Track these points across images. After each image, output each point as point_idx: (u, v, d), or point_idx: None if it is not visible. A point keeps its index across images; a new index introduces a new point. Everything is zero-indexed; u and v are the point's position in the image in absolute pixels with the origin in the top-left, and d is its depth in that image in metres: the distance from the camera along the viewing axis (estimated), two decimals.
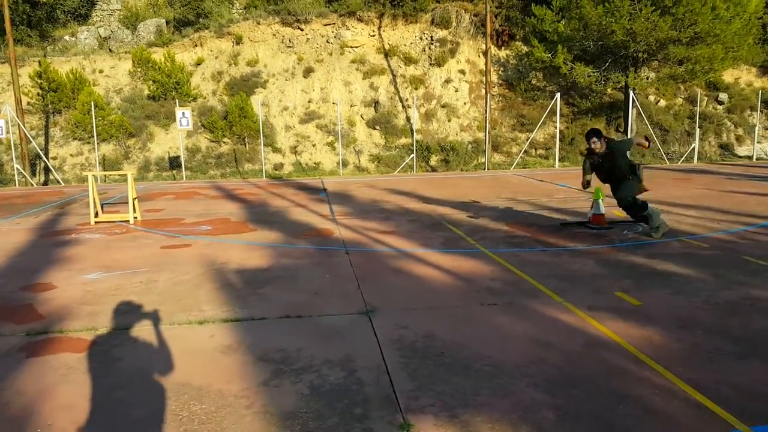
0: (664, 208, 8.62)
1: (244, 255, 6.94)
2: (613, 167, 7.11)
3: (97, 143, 18.92)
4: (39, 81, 20.40)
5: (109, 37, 23.22)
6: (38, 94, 20.60)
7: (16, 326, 4.66)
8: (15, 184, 18.23)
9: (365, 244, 7.39)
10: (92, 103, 18.67)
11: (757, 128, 20.16)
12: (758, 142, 20.00)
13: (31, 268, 6.63)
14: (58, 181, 18.47)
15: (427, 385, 3.39)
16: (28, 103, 20.18)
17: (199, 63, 21.91)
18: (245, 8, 24.11)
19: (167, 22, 23.78)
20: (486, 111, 19.15)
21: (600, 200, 7.73)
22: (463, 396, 3.26)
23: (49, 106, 20.65)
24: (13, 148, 18.33)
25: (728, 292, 5.04)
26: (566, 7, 18.87)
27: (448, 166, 19.37)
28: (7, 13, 17.93)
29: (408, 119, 20.90)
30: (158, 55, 21.28)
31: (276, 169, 19.79)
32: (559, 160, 18.50)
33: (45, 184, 19.04)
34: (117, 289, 5.65)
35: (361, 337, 4.21)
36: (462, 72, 21.86)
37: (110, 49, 22.76)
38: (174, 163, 19.61)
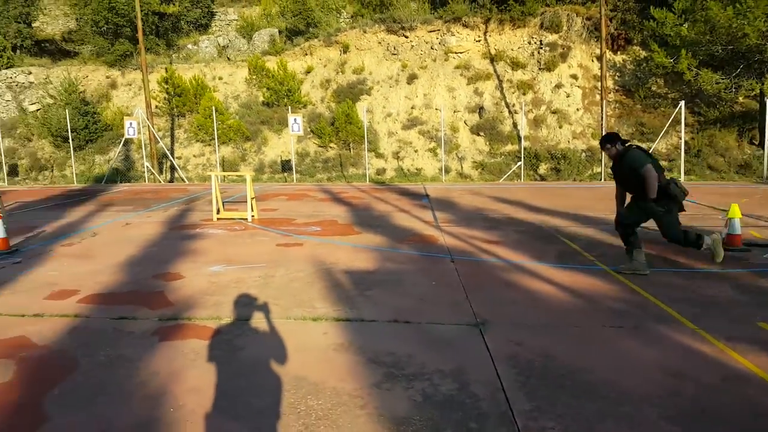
0: None
1: (351, 257, 7.09)
2: (624, 179, 6.02)
3: (218, 145, 20.33)
4: (165, 86, 22.32)
5: (227, 46, 24.90)
6: (165, 98, 22.54)
7: (150, 311, 5.08)
8: (144, 180, 20.06)
9: (471, 252, 7.26)
10: (213, 108, 20.12)
11: None
12: None
13: (161, 258, 7.22)
14: (183, 179, 20.07)
15: (547, 407, 3.23)
16: (156, 107, 22.15)
17: (308, 71, 22.87)
18: (352, 17, 24.83)
19: (279, 32, 25.08)
20: (602, 118, 18.19)
21: (736, 219, 7.00)
22: (587, 422, 3.06)
23: (175, 109, 22.52)
24: (143, 147, 20.20)
25: None
26: (690, 9, 17.44)
27: (558, 176, 18.61)
28: (140, 24, 19.82)
29: (515, 125, 20.38)
30: (272, 63, 22.49)
31: (378, 174, 20.11)
32: (685, 173, 17.08)
33: (170, 181, 20.77)
34: (238, 281, 5.99)
35: (472, 349, 4.11)
36: (574, 77, 20.95)
37: (228, 57, 24.40)
38: (285, 166, 20.60)
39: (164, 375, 3.76)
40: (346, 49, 22.88)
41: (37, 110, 23.33)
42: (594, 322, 4.64)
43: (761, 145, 17.09)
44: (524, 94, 20.95)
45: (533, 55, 21.75)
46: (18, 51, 25.37)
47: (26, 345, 4.33)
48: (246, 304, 5.21)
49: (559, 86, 20.90)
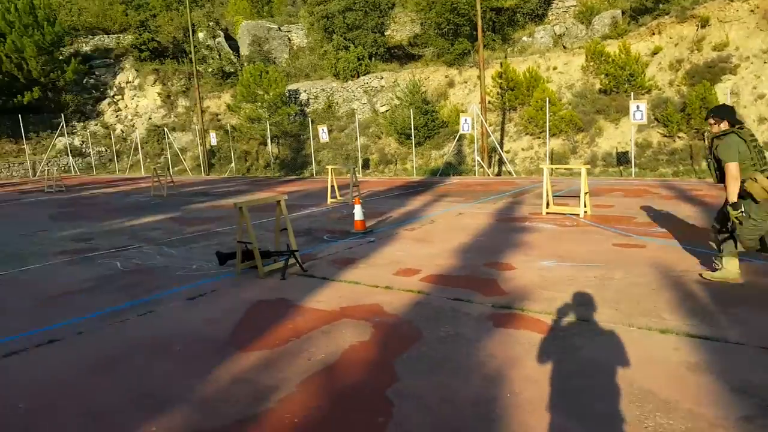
0: None
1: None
2: (716, 162, 5.16)
3: (548, 137, 20.16)
4: (499, 81, 23.14)
5: (564, 34, 24.31)
6: (497, 93, 23.42)
7: (484, 297, 5.27)
8: (474, 174, 21.35)
9: None
10: (546, 99, 19.98)
11: None
12: None
13: (492, 248, 7.47)
14: (510, 173, 20.64)
15: None
16: (489, 102, 23.20)
17: (655, 52, 20.51)
18: None
19: (623, 13, 23.18)
20: None
21: None
22: None
23: (506, 103, 23.21)
24: (475, 142, 21.48)
25: None
26: None
27: None
28: (479, 22, 20.83)
29: None
30: (612, 47, 20.97)
31: None
32: None
33: (498, 174, 21.60)
34: (571, 279, 5.73)
35: None
36: None
37: (564, 46, 23.82)
38: (621, 159, 19.08)
39: (501, 359, 3.82)
40: (705, 23, 19.67)
41: (386, 111, 27.17)
42: None
43: None
44: None
45: None
46: (372, 58, 29.71)
47: (380, 312, 5.00)
48: (582, 304, 4.92)
49: None
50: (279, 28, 33.96)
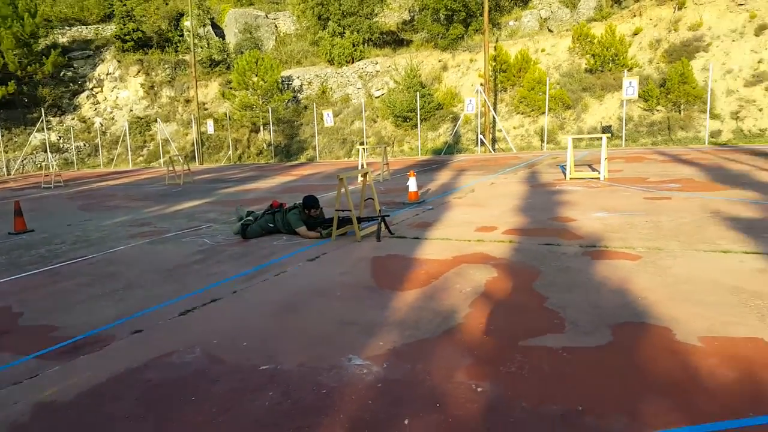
0: None
1: (731, 208, 7.33)
2: None
3: (547, 115, 21.58)
4: (493, 64, 24.42)
5: (549, 18, 25.69)
6: (490, 76, 24.70)
7: (569, 241, 6.43)
8: (473, 152, 22.64)
9: None
10: (541, 79, 21.35)
11: None
12: None
13: (543, 207, 8.66)
14: (511, 149, 22.01)
15: None
16: (481, 84, 24.46)
17: (636, 33, 22.14)
18: None
19: None
20: None
21: None
22: None
23: (498, 85, 24.53)
24: (477, 121, 22.71)
25: None
26: None
27: None
28: (486, 2, 21.66)
29: None
30: (597, 29, 22.49)
31: (713, 137, 18.53)
32: None
33: (492, 151, 22.95)
34: (629, 224, 6.96)
35: None
36: None
37: (549, 29, 25.23)
38: (605, 131, 20.64)
39: (615, 279, 4.97)
40: (681, 5, 21.36)
41: (381, 95, 28.11)
42: None
43: None
44: None
45: None
46: (366, 44, 30.46)
47: (489, 258, 6.00)
48: (650, 239, 6.16)
49: None
50: (266, 16, 34.30)
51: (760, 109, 18.85)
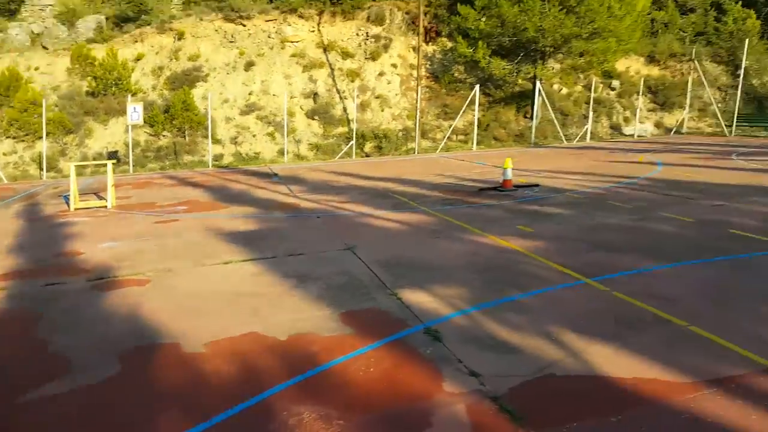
0: (559, 176, 10.92)
1: (232, 224, 8.44)
2: None
3: (45, 140, 19.17)
4: None
5: (43, 33, 23.18)
6: None
7: (75, 277, 6.00)
8: None
9: (329, 210, 9.12)
10: (37, 100, 18.92)
11: (638, 110, 23.61)
12: (640, 122, 23.49)
13: (45, 243, 7.63)
14: (1, 180, 18.62)
15: (402, 276, 5.33)
16: None
17: (139, 58, 22.47)
18: (184, 3, 24.80)
19: (107, 19, 24.05)
20: (417, 101, 21.20)
21: (508, 169, 9.91)
22: (425, 280, 5.20)
23: None
24: None
25: (591, 221, 7.41)
26: (487, 6, 21.23)
27: (381, 152, 21.27)
28: None
29: (345, 110, 22.58)
30: (99, 51, 21.64)
31: (216, 160, 20.80)
32: (477, 143, 20.96)
33: None
34: (137, 251, 6.95)
35: (350, 261, 6.03)
36: (394, 66, 23.80)
37: (44, 46, 22.76)
38: (112, 157, 20.03)
39: (125, 307, 4.99)
40: (181, 36, 22.90)
41: None
42: (422, 236, 6.95)
43: (532, 118, 21.64)
44: (353, 81, 23.25)
45: (360, 45, 24.16)
46: None
47: None
48: (158, 261, 6.42)
49: (381, 74, 23.60)
50: None
51: (254, 135, 22.33)
